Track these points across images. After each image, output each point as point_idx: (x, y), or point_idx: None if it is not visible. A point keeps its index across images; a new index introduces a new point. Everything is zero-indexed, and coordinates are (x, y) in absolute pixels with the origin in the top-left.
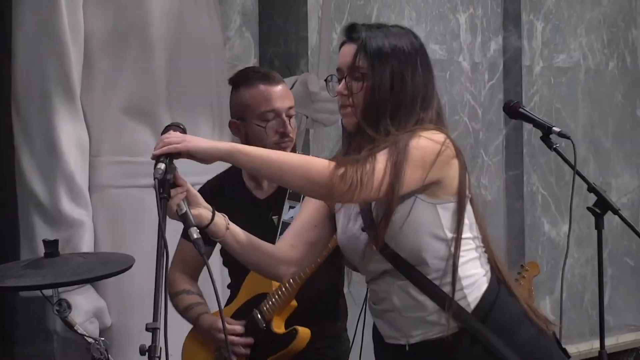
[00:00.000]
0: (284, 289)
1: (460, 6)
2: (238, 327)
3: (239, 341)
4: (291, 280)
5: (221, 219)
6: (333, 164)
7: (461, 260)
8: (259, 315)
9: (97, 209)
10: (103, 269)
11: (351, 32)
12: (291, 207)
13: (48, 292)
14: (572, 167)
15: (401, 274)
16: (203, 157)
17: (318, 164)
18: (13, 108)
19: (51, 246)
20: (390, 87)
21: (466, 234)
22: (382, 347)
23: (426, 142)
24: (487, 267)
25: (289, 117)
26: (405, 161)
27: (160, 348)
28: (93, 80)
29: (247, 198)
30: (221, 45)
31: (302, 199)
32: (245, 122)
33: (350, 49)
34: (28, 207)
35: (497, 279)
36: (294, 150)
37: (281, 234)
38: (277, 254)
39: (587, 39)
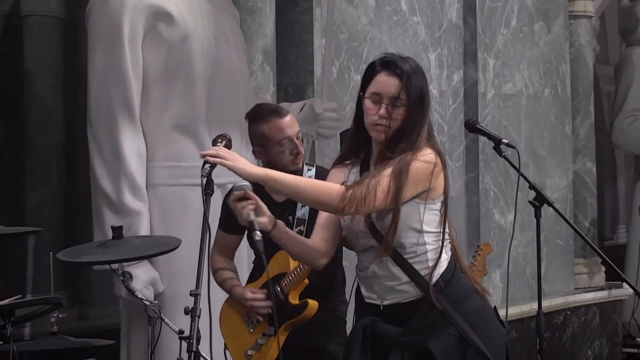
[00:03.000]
0: (298, 270)
1: (430, 47)
2: (261, 295)
3: (261, 304)
4: (305, 265)
5: (282, 225)
6: (342, 190)
7: (430, 247)
8: (279, 289)
9: (152, 202)
10: (157, 249)
11: (394, 66)
12: (303, 206)
13: (115, 266)
14: (517, 170)
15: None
16: (242, 176)
17: (331, 192)
18: (88, 126)
19: (117, 231)
20: (420, 120)
21: (439, 227)
22: (361, 305)
23: (421, 164)
24: (449, 253)
25: (298, 139)
26: (405, 182)
27: (201, 309)
28: (149, 104)
29: (267, 201)
30: (247, 77)
31: None
32: (266, 148)
33: (393, 81)
34: (99, 200)
35: (454, 262)
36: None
37: (295, 228)
38: (316, 247)
39: (528, 72)
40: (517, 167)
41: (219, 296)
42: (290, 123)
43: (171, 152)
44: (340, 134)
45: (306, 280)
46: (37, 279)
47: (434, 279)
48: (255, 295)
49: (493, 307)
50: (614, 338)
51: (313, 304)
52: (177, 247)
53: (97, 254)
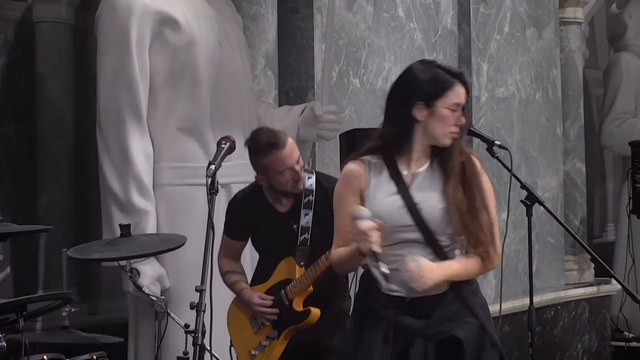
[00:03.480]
0: (304, 279)
1: (426, 52)
2: (268, 302)
3: (267, 311)
4: (310, 273)
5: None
6: (485, 260)
7: (458, 245)
8: (284, 294)
9: (159, 201)
10: (163, 246)
11: (462, 77)
12: (306, 215)
13: (123, 262)
14: (509, 170)
15: (426, 244)
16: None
17: (478, 269)
18: (97, 128)
19: (125, 229)
20: None
21: None
22: (379, 296)
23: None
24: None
25: (298, 163)
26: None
27: (206, 304)
28: (156, 107)
29: (271, 212)
30: (250, 81)
31: (314, 207)
32: (268, 177)
33: (464, 91)
34: (108, 200)
35: None
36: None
37: (300, 236)
38: None
39: (520, 77)
40: (510, 167)
41: (222, 292)
42: (289, 152)
43: (177, 153)
44: (339, 135)
45: (310, 288)
46: (48, 275)
47: None
48: (263, 301)
49: None
50: (603, 332)
51: (315, 312)
52: (183, 244)
53: (106, 251)
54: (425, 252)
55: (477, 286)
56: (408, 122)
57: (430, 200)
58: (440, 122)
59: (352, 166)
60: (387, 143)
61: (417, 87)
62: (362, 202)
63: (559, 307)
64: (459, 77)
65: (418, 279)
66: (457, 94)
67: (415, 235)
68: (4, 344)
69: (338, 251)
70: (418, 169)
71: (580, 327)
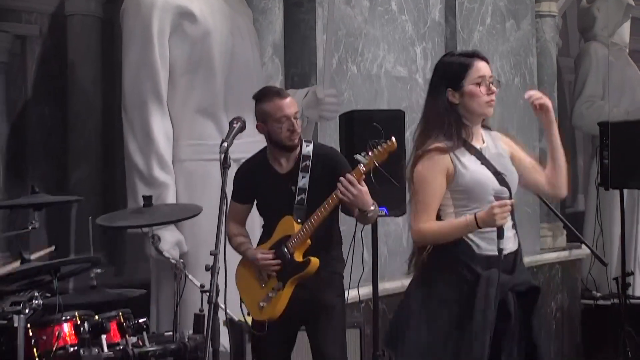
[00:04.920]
0: (302, 233)
1: (417, 42)
2: (271, 255)
3: (271, 262)
4: (307, 227)
5: None
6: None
7: None
8: (286, 249)
9: (178, 175)
10: (181, 214)
11: (478, 53)
12: (303, 177)
13: (146, 229)
14: None
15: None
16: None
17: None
18: (123, 111)
19: (148, 200)
20: None
21: None
22: (471, 259)
23: None
24: None
25: (295, 119)
26: None
27: (219, 267)
28: (175, 92)
29: (273, 174)
30: (259, 68)
31: (310, 171)
32: (267, 124)
33: (486, 64)
34: (132, 174)
35: None
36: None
37: (298, 196)
38: None
39: (500, 63)
40: None
41: (235, 256)
42: (289, 104)
43: (194, 133)
44: (339, 116)
45: (308, 241)
46: (79, 241)
47: None
48: (265, 255)
49: None
50: (574, 292)
51: (315, 260)
52: (199, 213)
53: (130, 219)
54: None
55: None
56: (450, 108)
57: (507, 166)
58: (472, 98)
59: (436, 149)
60: (447, 130)
61: (443, 77)
62: (449, 179)
63: (535, 270)
64: (475, 55)
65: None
66: (477, 68)
67: (506, 195)
68: (41, 302)
69: (434, 225)
70: (484, 143)
71: (554, 288)
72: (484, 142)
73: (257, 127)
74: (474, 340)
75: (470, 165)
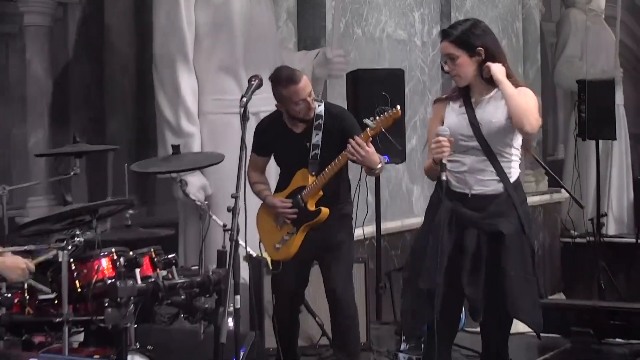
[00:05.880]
0: (315, 184)
1: (415, 8)
2: (288, 204)
3: (288, 211)
4: (320, 180)
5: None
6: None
7: (514, 158)
8: (300, 198)
9: (202, 126)
10: (206, 161)
11: (443, 33)
12: (316, 134)
13: (174, 174)
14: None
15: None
16: None
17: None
18: (154, 69)
19: (176, 148)
20: None
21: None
22: (447, 192)
23: None
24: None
25: (310, 96)
26: None
27: (239, 208)
28: (200, 52)
29: (289, 133)
30: (275, 31)
31: (322, 128)
32: (284, 104)
33: (445, 44)
34: (162, 125)
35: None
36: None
37: (312, 152)
38: None
39: (491, 26)
40: None
41: (253, 198)
42: (303, 87)
43: (217, 88)
44: (346, 74)
45: (321, 192)
46: (115, 185)
47: (512, 179)
48: (284, 204)
49: None
50: (554, 231)
51: (325, 211)
52: (222, 160)
53: (161, 166)
54: (481, 158)
55: (524, 198)
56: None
57: (491, 117)
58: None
59: (437, 99)
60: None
61: None
62: (442, 123)
63: None
64: (442, 36)
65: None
66: (441, 48)
67: (474, 143)
68: (82, 239)
69: (427, 163)
70: (482, 97)
71: (536, 227)
72: (484, 95)
73: (276, 105)
74: (428, 262)
75: (451, 114)
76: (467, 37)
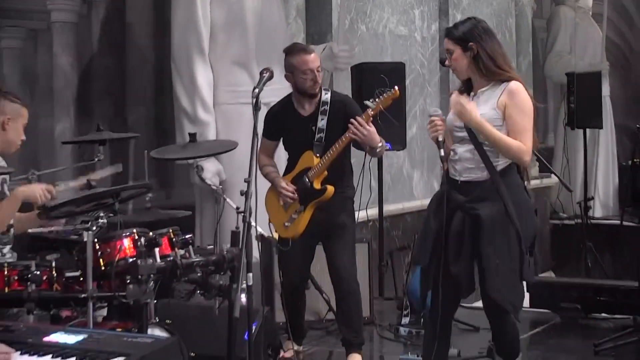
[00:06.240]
0: (320, 165)
1: (415, 5)
2: (292, 188)
3: (288, 194)
4: (324, 160)
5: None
6: (527, 150)
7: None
8: (307, 178)
9: (217, 115)
10: (221, 148)
11: (447, 32)
12: (322, 119)
13: (191, 160)
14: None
15: (469, 142)
16: (465, 118)
17: (522, 152)
18: (172, 62)
19: (192, 136)
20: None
21: None
22: (448, 179)
23: None
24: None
25: (318, 71)
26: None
27: (251, 192)
28: (215, 47)
29: (296, 116)
30: (285, 27)
31: (327, 114)
32: (294, 75)
33: (446, 41)
34: (180, 114)
35: (515, 165)
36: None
37: (317, 135)
38: None
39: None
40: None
41: (265, 183)
42: (313, 59)
43: (231, 80)
44: (351, 67)
45: (325, 172)
46: (136, 170)
47: (499, 168)
48: (286, 186)
49: (534, 209)
50: (545, 213)
51: (330, 188)
52: (235, 147)
53: (178, 153)
54: (469, 147)
55: (518, 185)
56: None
57: (482, 110)
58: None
59: (451, 92)
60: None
61: None
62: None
63: None
64: (445, 34)
65: (460, 107)
66: (444, 44)
67: (464, 134)
68: (105, 221)
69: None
70: (479, 90)
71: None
72: (481, 88)
73: (285, 77)
74: (421, 243)
75: (453, 107)
76: (463, 34)
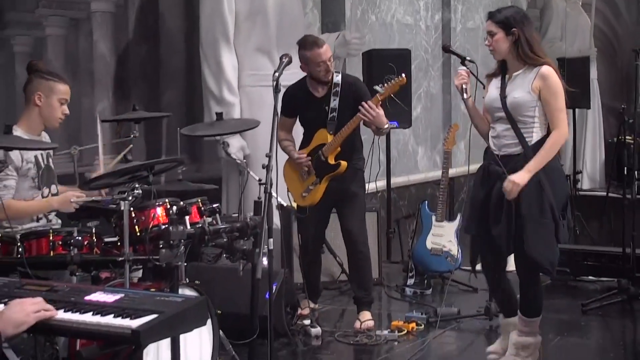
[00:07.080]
0: (334, 142)
1: None
2: (304, 155)
3: (303, 161)
4: (337, 138)
5: (472, 102)
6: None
7: (536, 126)
8: (322, 154)
9: (241, 97)
10: (244, 126)
11: (490, 15)
12: (334, 99)
13: (218, 137)
14: (475, 76)
15: (507, 120)
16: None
17: (553, 142)
18: (200, 48)
19: (219, 115)
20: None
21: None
22: (489, 154)
23: None
24: (545, 132)
25: (330, 61)
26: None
27: (272, 165)
28: (240, 34)
29: (311, 97)
30: (302, 17)
31: (339, 94)
32: (308, 66)
33: (488, 22)
34: (207, 96)
35: (545, 137)
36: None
37: (330, 114)
38: (485, 122)
39: (483, 13)
40: (476, 74)
41: (285, 157)
42: (325, 51)
43: (253, 65)
44: (362, 53)
45: (339, 148)
46: (168, 146)
47: (531, 143)
48: (300, 155)
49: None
50: None
51: (344, 163)
52: (257, 125)
53: (207, 130)
54: (506, 126)
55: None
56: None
57: (515, 93)
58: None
59: (487, 75)
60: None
61: None
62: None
63: None
64: (488, 16)
65: (513, 186)
66: (486, 25)
67: (501, 114)
68: (140, 191)
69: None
70: (514, 73)
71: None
72: (516, 71)
73: (300, 67)
74: (470, 208)
75: (492, 88)
76: (506, 19)
